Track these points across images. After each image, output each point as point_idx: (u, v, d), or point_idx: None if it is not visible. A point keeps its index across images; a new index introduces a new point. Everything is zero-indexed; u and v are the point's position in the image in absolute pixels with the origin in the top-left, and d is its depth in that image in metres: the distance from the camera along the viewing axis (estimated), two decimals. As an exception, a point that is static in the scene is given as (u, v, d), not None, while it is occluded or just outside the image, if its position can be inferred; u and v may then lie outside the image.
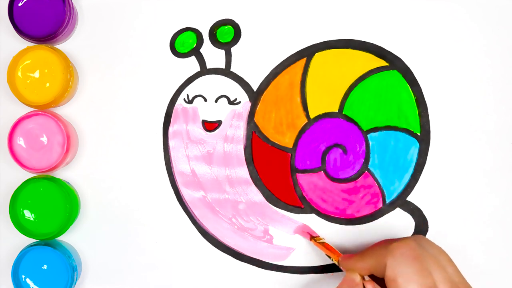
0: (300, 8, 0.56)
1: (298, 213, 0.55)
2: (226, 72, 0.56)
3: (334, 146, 0.55)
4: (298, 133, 0.55)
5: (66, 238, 0.56)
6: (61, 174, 0.56)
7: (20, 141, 0.54)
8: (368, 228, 0.55)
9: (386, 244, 0.46)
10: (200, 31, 0.56)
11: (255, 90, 0.56)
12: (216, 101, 0.56)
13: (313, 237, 0.54)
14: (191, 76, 0.56)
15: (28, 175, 0.55)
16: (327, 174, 0.55)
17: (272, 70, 0.56)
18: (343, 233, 0.55)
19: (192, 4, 0.56)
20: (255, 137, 0.56)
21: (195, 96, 0.56)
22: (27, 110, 0.55)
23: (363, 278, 0.46)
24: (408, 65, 0.55)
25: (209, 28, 0.56)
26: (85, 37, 0.56)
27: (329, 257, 0.51)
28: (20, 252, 0.53)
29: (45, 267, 0.53)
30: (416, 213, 0.55)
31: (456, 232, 0.55)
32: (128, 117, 0.56)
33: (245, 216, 0.56)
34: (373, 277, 0.47)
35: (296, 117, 0.56)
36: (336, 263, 0.50)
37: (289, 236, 0.55)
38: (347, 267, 0.48)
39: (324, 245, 0.53)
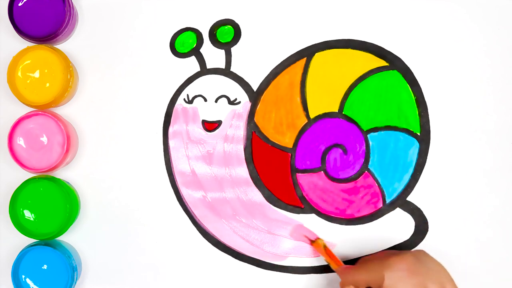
0: (300, 8, 0.56)
1: (298, 213, 0.55)
2: (226, 72, 0.56)
3: (334, 146, 0.55)
4: (298, 133, 0.55)
5: (66, 238, 0.56)
6: (61, 174, 0.56)
7: (20, 141, 0.54)
8: (368, 228, 0.55)
9: (385, 257, 0.47)
10: (200, 31, 0.56)
11: (255, 90, 0.56)
12: (216, 101, 0.56)
13: (313, 241, 0.54)
14: (191, 76, 0.56)
15: (28, 175, 0.55)
16: (327, 174, 0.55)
17: (272, 70, 0.56)
18: (343, 233, 0.55)
19: (192, 4, 0.56)
20: (255, 137, 0.56)
21: (195, 96, 0.56)
22: (27, 110, 0.55)
23: None
24: (408, 65, 0.55)
25: (209, 28, 0.56)
26: (85, 37, 0.56)
27: (328, 263, 0.52)
28: (20, 252, 0.53)
29: (45, 267, 0.53)
30: (416, 213, 0.55)
31: (456, 232, 0.55)
32: (128, 117, 0.56)
33: (245, 216, 0.56)
34: None
35: (296, 117, 0.56)
36: (334, 271, 0.51)
37: (289, 235, 0.55)
38: (345, 279, 0.48)
39: (326, 250, 0.53)
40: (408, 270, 0.45)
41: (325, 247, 0.53)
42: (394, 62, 0.55)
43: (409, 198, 0.55)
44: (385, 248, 0.55)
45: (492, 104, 0.55)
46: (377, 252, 0.52)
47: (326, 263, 0.55)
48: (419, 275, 0.45)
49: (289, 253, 0.55)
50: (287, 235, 0.55)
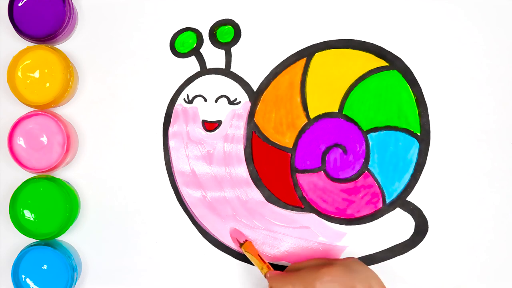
0: (300, 8, 0.56)
1: (298, 213, 0.55)
2: (226, 72, 0.56)
3: (334, 146, 0.55)
4: (298, 133, 0.55)
5: (66, 238, 0.56)
6: (61, 174, 0.56)
7: (20, 141, 0.54)
8: (368, 228, 0.55)
9: (316, 267, 0.47)
10: (200, 31, 0.56)
11: (255, 90, 0.56)
12: (216, 101, 0.56)
13: (242, 244, 0.54)
14: (191, 76, 0.56)
15: (28, 175, 0.55)
16: (327, 174, 0.55)
17: (272, 70, 0.56)
18: (343, 233, 0.55)
19: (192, 4, 0.56)
20: (255, 137, 0.56)
21: (195, 96, 0.56)
22: (27, 110, 0.55)
23: None
24: (408, 65, 0.55)
25: (209, 28, 0.56)
26: (85, 37, 0.56)
27: (256, 266, 0.51)
28: (20, 252, 0.53)
29: (45, 267, 0.53)
30: (416, 213, 0.55)
31: (456, 232, 0.55)
32: (128, 117, 0.56)
33: (245, 216, 0.56)
34: None
35: (296, 117, 0.56)
36: (264, 275, 0.50)
37: (289, 235, 0.55)
38: (274, 285, 0.48)
39: (253, 253, 0.52)
40: (338, 280, 0.45)
41: (253, 249, 0.53)
42: (394, 62, 0.55)
43: (409, 198, 0.55)
44: (384, 248, 0.55)
45: (492, 104, 0.55)
46: (307, 260, 0.51)
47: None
48: (348, 283, 0.45)
49: (289, 253, 0.55)
50: (287, 234, 0.55)
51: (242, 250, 0.53)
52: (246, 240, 0.54)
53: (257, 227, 0.56)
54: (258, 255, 0.52)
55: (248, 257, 0.53)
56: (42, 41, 0.54)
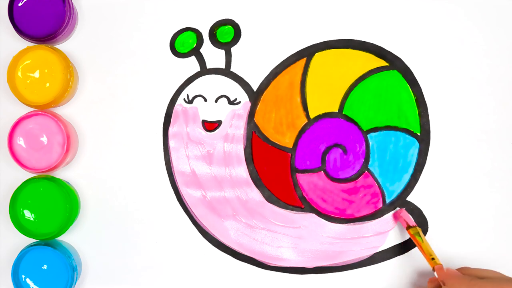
0: (300, 8, 0.56)
1: (298, 213, 0.55)
2: (226, 72, 0.56)
3: (334, 146, 0.55)
4: (298, 133, 0.55)
5: (66, 238, 0.56)
6: (61, 174, 0.56)
7: (20, 141, 0.54)
8: (368, 228, 0.55)
9: (504, 283, 0.44)
10: (200, 31, 0.56)
11: (255, 90, 0.56)
12: (216, 101, 0.56)
13: (410, 227, 0.52)
14: (191, 76, 0.56)
15: (28, 175, 0.55)
16: (327, 174, 0.55)
17: (272, 70, 0.56)
18: (343, 233, 0.55)
19: (192, 4, 0.56)
20: (255, 137, 0.56)
21: (195, 96, 0.56)
22: (27, 110, 0.55)
23: None
24: (408, 65, 0.55)
25: (209, 28, 0.56)
26: (85, 37, 0.56)
27: (427, 255, 0.50)
28: (20, 252, 0.53)
29: (45, 267, 0.53)
30: (416, 213, 0.55)
31: (456, 232, 0.55)
32: (128, 117, 0.56)
33: (245, 216, 0.56)
34: None
35: (296, 117, 0.56)
36: (432, 268, 0.49)
37: (289, 235, 0.55)
38: (450, 285, 0.46)
39: (420, 242, 0.51)
40: None
41: (421, 238, 0.51)
42: (394, 62, 0.55)
43: (409, 198, 0.55)
44: (384, 249, 0.55)
45: (492, 104, 0.55)
46: (487, 270, 0.48)
47: (326, 264, 0.55)
48: None
49: (289, 253, 0.55)
50: (287, 234, 0.55)
51: (409, 232, 0.52)
52: (415, 226, 0.52)
53: (257, 227, 0.56)
54: (428, 247, 0.50)
55: (416, 242, 0.51)
56: (42, 41, 0.54)
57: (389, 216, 0.55)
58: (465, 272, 0.49)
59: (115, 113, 0.56)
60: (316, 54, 0.56)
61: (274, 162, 0.55)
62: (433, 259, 0.50)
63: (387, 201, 0.55)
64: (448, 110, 0.55)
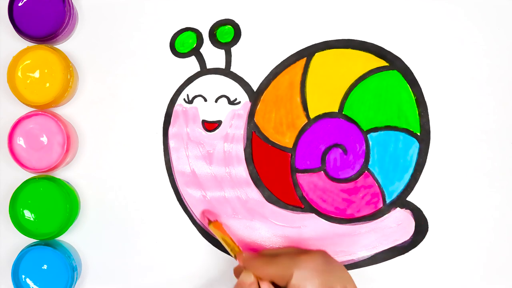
0: (300, 8, 0.56)
1: (298, 213, 0.55)
2: (226, 72, 0.56)
3: (334, 146, 0.55)
4: (298, 133, 0.55)
5: (66, 238, 0.56)
6: (61, 174, 0.56)
7: (20, 141, 0.54)
8: (368, 228, 0.55)
9: (295, 255, 0.47)
10: (200, 31, 0.56)
11: (255, 90, 0.56)
12: (216, 101, 0.56)
13: (211, 222, 0.53)
14: (191, 76, 0.56)
15: (28, 175, 0.55)
16: (327, 174, 0.55)
17: (272, 70, 0.56)
18: (343, 233, 0.55)
19: (192, 4, 0.56)
20: (255, 137, 0.56)
21: (195, 96, 0.56)
22: (27, 110, 0.55)
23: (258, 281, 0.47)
24: (408, 65, 0.55)
25: (209, 28, 0.56)
26: (85, 37, 0.56)
27: (226, 247, 0.51)
28: (20, 252, 0.53)
29: (45, 267, 0.53)
30: (416, 213, 0.55)
31: (456, 232, 0.55)
32: (128, 117, 0.56)
33: (245, 216, 0.56)
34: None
35: (296, 117, 0.56)
36: (234, 256, 0.50)
37: (289, 235, 0.55)
38: (248, 266, 0.48)
39: (223, 233, 0.52)
40: (316, 269, 0.45)
41: (223, 229, 0.52)
42: (394, 62, 0.55)
43: (409, 198, 0.55)
44: (384, 249, 0.55)
45: (492, 104, 0.55)
46: (282, 248, 0.51)
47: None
48: (325, 275, 0.45)
49: (289, 253, 0.55)
50: (287, 233, 0.55)
51: (209, 229, 0.53)
52: (216, 220, 0.53)
53: (257, 227, 0.56)
54: (228, 236, 0.51)
55: (217, 237, 0.52)
56: (42, 41, 0.54)
57: (389, 216, 0.55)
58: (262, 253, 0.50)
59: (115, 113, 0.56)
60: (316, 54, 0.56)
61: (274, 162, 0.56)
62: (233, 249, 0.50)
63: (387, 201, 0.55)
64: (448, 110, 0.55)
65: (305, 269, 0.45)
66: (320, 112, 0.55)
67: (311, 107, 0.55)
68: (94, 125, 0.56)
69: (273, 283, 0.46)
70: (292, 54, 0.56)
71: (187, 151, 0.56)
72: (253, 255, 0.49)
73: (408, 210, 0.55)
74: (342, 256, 0.55)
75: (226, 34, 0.56)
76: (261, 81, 0.56)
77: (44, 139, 0.54)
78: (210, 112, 0.56)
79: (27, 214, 0.53)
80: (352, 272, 0.55)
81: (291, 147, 0.55)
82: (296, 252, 0.48)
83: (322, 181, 0.55)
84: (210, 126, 0.56)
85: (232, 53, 0.56)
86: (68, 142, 0.53)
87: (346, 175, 0.55)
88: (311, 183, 0.55)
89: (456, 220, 0.55)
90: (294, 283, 0.44)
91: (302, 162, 0.55)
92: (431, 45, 0.55)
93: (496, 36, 0.55)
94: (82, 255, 0.56)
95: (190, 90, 0.56)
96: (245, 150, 0.56)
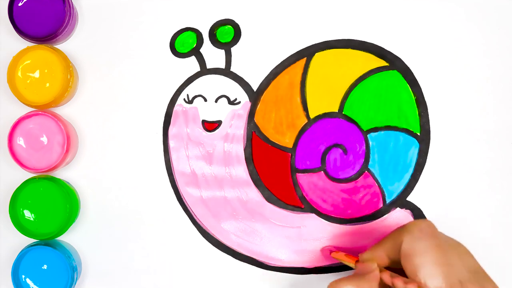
0: (300, 8, 0.56)
1: (298, 213, 0.55)
2: (226, 72, 0.56)
3: (334, 146, 0.55)
4: (298, 133, 0.55)
5: (66, 238, 0.56)
6: (61, 174, 0.56)
7: (20, 141, 0.54)
8: (368, 228, 0.55)
9: (400, 226, 0.45)
10: (200, 31, 0.56)
11: (255, 90, 0.56)
12: (216, 101, 0.56)
13: (332, 252, 0.53)
14: (191, 76, 0.56)
15: (28, 175, 0.55)
16: (327, 174, 0.55)
17: (272, 70, 0.56)
18: (343, 233, 0.55)
19: (192, 4, 0.56)
20: (255, 137, 0.56)
21: (195, 96, 0.56)
22: (27, 110, 0.55)
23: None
24: (408, 65, 0.55)
25: (209, 28, 0.56)
26: (85, 37, 0.56)
27: (348, 264, 0.50)
28: (20, 252, 0.53)
29: (45, 267, 0.53)
30: (416, 213, 0.55)
31: (456, 232, 0.55)
32: (128, 117, 0.56)
33: (245, 216, 0.56)
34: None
35: (296, 117, 0.56)
36: (354, 266, 0.48)
37: (289, 235, 0.55)
38: (364, 259, 0.46)
39: (343, 255, 0.51)
40: (428, 232, 0.43)
41: (341, 255, 0.51)
42: (394, 62, 0.55)
43: (409, 198, 0.55)
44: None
45: (492, 104, 0.55)
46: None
47: (325, 264, 0.55)
48: (438, 238, 0.43)
49: (289, 253, 0.55)
50: (287, 233, 0.55)
51: (333, 256, 0.52)
52: (335, 251, 0.53)
53: (257, 227, 0.55)
54: (345, 255, 0.50)
55: (339, 260, 0.51)
56: (42, 41, 0.54)
57: (389, 216, 0.55)
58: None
59: (115, 113, 0.56)
60: (316, 54, 0.56)
61: (274, 162, 0.56)
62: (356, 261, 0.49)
63: (387, 201, 0.55)
64: (448, 110, 0.55)
65: (413, 232, 0.43)
66: (320, 112, 0.55)
67: (311, 107, 0.55)
68: (94, 125, 0.56)
69: (394, 271, 0.44)
70: (292, 54, 0.56)
71: (187, 151, 0.56)
72: (366, 251, 0.47)
73: (408, 210, 0.55)
74: (342, 256, 0.55)
75: (226, 34, 0.56)
76: (261, 81, 0.56)
77: (44, 139, 0.54)
78: (210, 112, 0.56)
79: (27, 214, 0.53)
80: (352, 272, 0.54)
81: (291, 147, 0.55)
82: (401, 226, 0.46)
83: (322, 181, 0.55)
84: (210, 126, 0.56)
85: (232, 53, 0.56)
86: (68, 142, 0.53)
87: (346, 175, 0.55)
88: (311, 183, 0.55)
89: (456, 220, 0.55)
90: (404, 247, 0.42)
91: (302, 162, 0.55)
92: (431, 45, 0.55)
93: (496, 36, 0.55)
94: (82, 255, 0.56)
95: (190, 90, 0.56)
96: (245, 150, 0.56)
